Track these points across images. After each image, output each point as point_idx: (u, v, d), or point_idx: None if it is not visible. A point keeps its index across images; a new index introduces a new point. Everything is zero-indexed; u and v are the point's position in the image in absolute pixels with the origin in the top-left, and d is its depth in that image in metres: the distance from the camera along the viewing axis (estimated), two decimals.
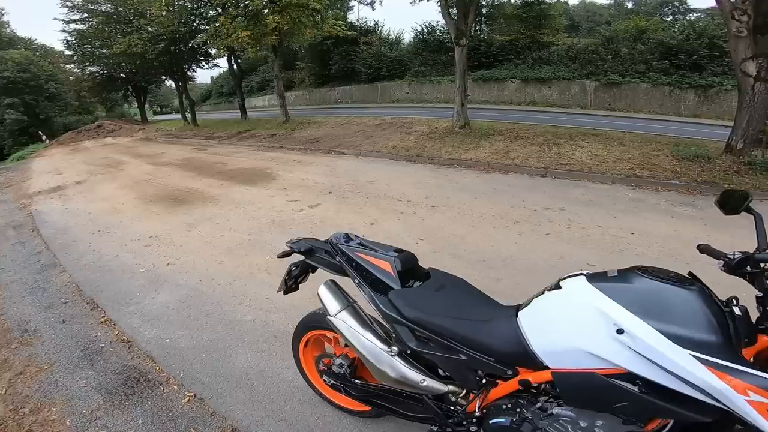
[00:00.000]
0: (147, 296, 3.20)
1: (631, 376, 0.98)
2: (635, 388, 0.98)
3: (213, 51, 19.66)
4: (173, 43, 18.24)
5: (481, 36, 21.82)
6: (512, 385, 1.20)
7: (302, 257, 1.66)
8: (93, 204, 6.40)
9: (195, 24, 18.20)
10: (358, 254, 1.49)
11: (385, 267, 1.43)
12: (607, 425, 1.09)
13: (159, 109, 57.37)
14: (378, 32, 26.30)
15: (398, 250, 1.50)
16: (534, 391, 1.20)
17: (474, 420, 1.32)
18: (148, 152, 12.77)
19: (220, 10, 14.83)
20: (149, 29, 17.49)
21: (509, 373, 1.19)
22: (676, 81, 14.64)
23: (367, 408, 1.79)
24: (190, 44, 19.58)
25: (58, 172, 10.34)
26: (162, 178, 8.06)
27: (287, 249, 1.68)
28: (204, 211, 5.40)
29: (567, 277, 1.19)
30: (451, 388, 1.34)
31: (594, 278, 1.11)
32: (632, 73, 15.57)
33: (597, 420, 1.09)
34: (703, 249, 1.23)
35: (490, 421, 1.26)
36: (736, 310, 0.99)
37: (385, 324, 1.45)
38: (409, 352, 1.35)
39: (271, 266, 3.52)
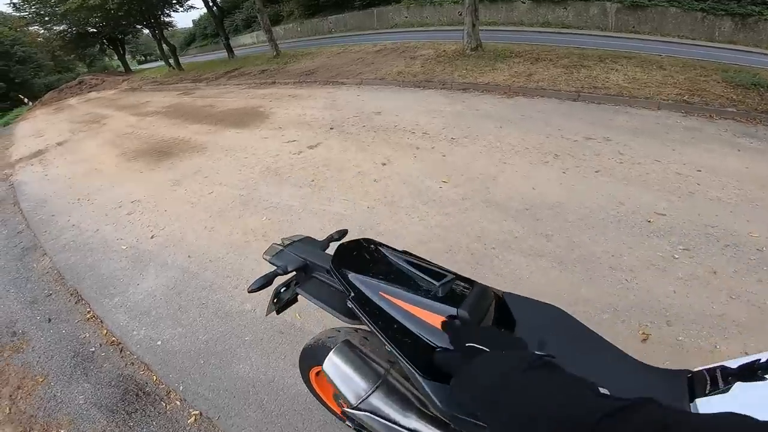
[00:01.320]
0: (131, 283, 2.71)
1: None
2: None
3: None
4: None
5: None
6: None
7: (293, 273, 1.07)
8: (73, 167, 5.72)
9: None
10: (389, 298, 0.84)
11: (436, 324, 0.79)
12: None
13: (143, 57, 54.63)
14: None
15: (462, 281, 0.85)
16: None
17: None
18: (133, 102, 11.70)
19: None
20: None
21: None
22: (710, 7, 13.35)
23: None
24: None
25: (39, 135, 9.42)
26: (146, 129, 7.24)
27: (267, 270, 1.04)
28: (191, 163, 4.73)
29: None
30: None
31: None
32: None
33: None
34: None
35: None
36: None
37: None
38: None
39: (268, 230, 2.97)
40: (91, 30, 24.22)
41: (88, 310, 2.54)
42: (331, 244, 1.17)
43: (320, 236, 1.25)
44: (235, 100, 8.53)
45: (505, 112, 5.13)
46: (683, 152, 3.57)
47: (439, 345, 0.78)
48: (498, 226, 2.63)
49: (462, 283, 0.85)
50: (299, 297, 1.13)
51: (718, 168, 3.27)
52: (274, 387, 1.79)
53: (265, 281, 0.99)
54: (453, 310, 0.78)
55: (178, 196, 3.87)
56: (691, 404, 0.66)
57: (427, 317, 0.80)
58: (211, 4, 17.42)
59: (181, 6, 21.14)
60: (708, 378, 0.69)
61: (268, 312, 1.10)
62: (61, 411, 1.86)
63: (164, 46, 19.99)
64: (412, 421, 0.84)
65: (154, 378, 1.95)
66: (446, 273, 0.87)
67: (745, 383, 0.63)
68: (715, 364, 0.71)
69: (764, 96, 5.13)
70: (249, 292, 0.99)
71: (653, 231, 2.52)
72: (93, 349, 2.22)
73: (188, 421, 1.68)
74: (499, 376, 0.63)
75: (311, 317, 2.08)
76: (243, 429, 1.62)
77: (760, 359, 0.65)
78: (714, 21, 13.40)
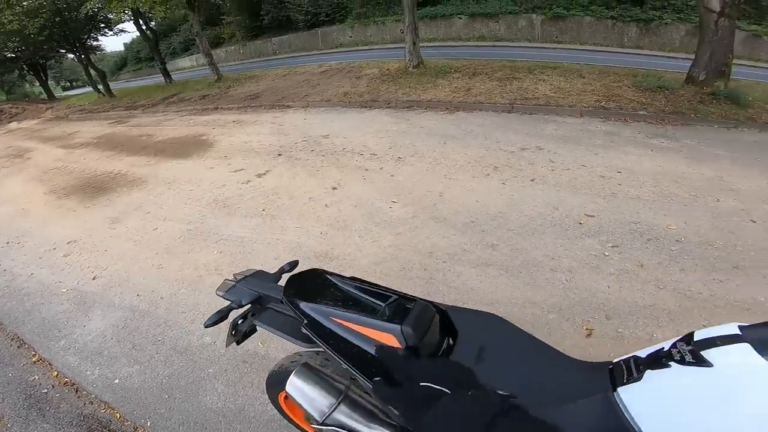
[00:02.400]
0: (77, 325, 2.53)
1: None
2: None
3: (112, 16, 16.65)
4: (57, 14, 15.12)
5: None
6: None
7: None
8: None
9: None
10: (339, 322, 0.92)
11: (388, 342, 0.87)
12: None
13: (68, 84, 50.73)
14: None
15: (405, 300, 0.93)
16: None
17: None
18: (59, 133, 10.76)
19: None
20: (24, 3, 14.24)
21: None
22: (618, 14, 14.86)
23: None
24: (82, 13, 16.54)
25: None
26: (76, 163, 6.70)
27: (221, 305, 1.07)
28: (130, 198, 4.46)
29: (714, 343, 0.70)
30: None
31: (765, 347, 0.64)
32: (576, 7, 15.52)
33: None
34: None
35: None
36: None
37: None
38: None
39: (220, 264, 2.88)
40: (9, 55, 22.36)
41: (33, 353, 2.37)
42: (283, 275, 1.20)
43: (275, 266, 1.30)
44: (176, 128, 8.17)
45: (448, 127, 5.38)
46: (605, 156, 3.96)
47: (394, 362, 0.85)
48: (447, 240, 2.75)
49: (406, 302, 0.93)
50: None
51: (635, 168, 3.66)
52: (245, 415, 1.77)
53: (220, 316, 1.03)
54: (398, 328, 0.85)
55: (119, 234, 3.64)
56: (614, 393, 0.75)
57: (376, 336, 0.87)
58: (144, 27, 16.69)
59: (110, 30, 19.91)
60: (624, 368, 0.79)
61: (228, 344, 1.13)
62: None
63: (92, 71, 18.80)
64: (375, 425, 0.89)
65: (118, 415, 1.89)
66: (391, 294, 0.95)
67: (653, 371, 0.74)
68: (629, 355, 0.82)
69: (669, 98, 5.82)
70: (205, 327, 1.02)
71: (585, 232, 2.76)
72: (46, 391, 2.10)
73: None
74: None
75: (274, 344, 2.08)
76: None
77: (663, 347, 0.77)
78: (623, 27, 14.87)
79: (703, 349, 0.69)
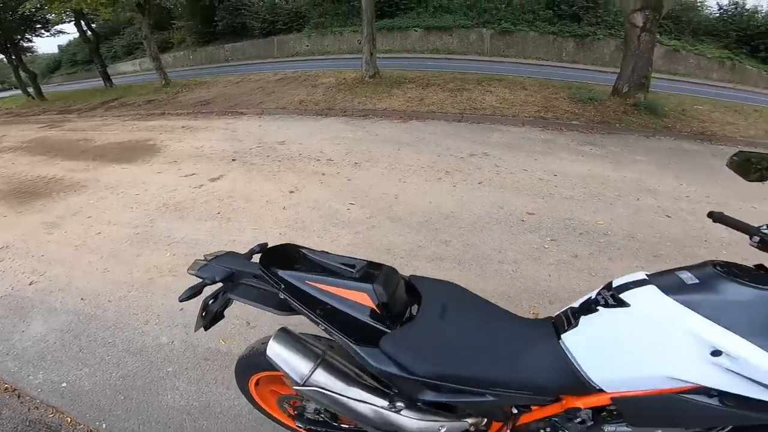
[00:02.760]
0: (14, 331, 2.35)
1: (709, 390, 0.78)
2: (716, 402, 0.78)
3: (51, 17, 15.44)
4: None
5: None
6: (552, 410, 0.93)
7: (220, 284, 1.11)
8: None
9: None
10: (315, 285, 0.98)
11: (361, 300, 0.95)
12: None
13: None
14: None
15: (372, 266, 1.02)
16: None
17: None
18: None
19: None
20: None
21: (548, 399, 0.92)
22: (558, 30, 15.99)
23: None
24: (18, 12, 15.19)
25: None
26: (3, 167, 6.09)
27: (195, 278, 1.08)
28: (68, 203, 4.16)
29: (628, 287, 0.88)
30: (471, 421, 1.01)
31: (669, 288, 0.83)
32: (522, 22, 16.53)
33: (656, 430, 0.90)
34: (720, 218, 1.01)
35: None
36: None
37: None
38: (420, 404, 0.97)
39: (174, 265, 2.79)
40: None
41: None
42: (253, 256, 1.23)
43: None
44: (117, 133, 7.70)
45: (402, 135, 5.60)
46: (543, 161, 4.34)
47: (361, 317, 0.94)
48: (403, 238, 2.89)
49: (374, 268, 1.02)
50: (225, 313, 1.18)
51: (569, 172, 4.05)
52: (211, 411, 1.75)
53: (194, 291, 1.04)
54: (369, 287, 0.94)
55: (58, 239, 3.40)
56: (559, 341, 0.91)
57: (350, 295, 0.96)
58: (85, 29, 15.59)
59: (47, 31, 18.40)
60: (564, 319, 0.95)
61: (197, 327, 1.12)
62: None
63: (22, 73, 17.27)
64: (353, 392, 0.96)
65: (69, 419, 1.80)
66: (360, 261, 1.03)
67: (585, 316, 0.90)
68: (566, 308, 0.99)
69: (598, 109, 6.47)
70: (180, 301, 1.02)
71: (527, 228, 3.03)
72: None
73: None
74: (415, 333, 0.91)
75: (236, 341, 2.08)
76: None
77: (591, 296, 0.94)
78: (562, 43, 16.05)
79: (621, 293, 0.87)
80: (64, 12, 11.95)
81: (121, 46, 28.52)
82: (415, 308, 1.01)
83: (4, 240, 3.50)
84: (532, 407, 0.96)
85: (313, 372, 0.97)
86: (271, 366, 1.21)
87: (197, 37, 23.88)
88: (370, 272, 0.99)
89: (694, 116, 6.65)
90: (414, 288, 1.05)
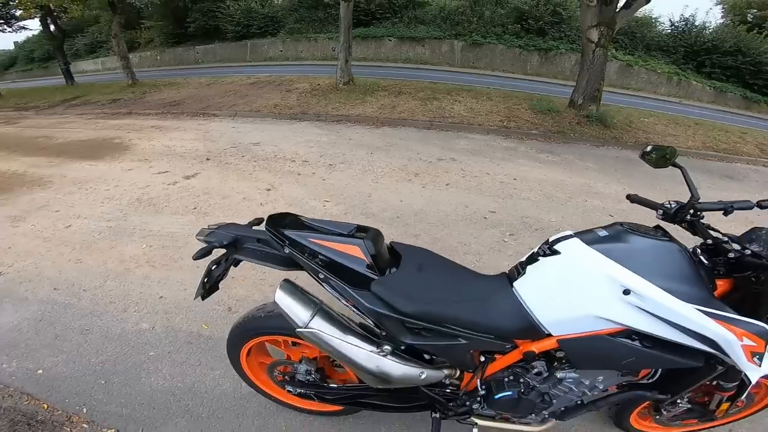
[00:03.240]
0: None
1: (631, 333, 1.01)
2: (638, 344, 1.01)
3: (18, 13, 14.68)
4: None
5: None
6: (513, 357, 1.15)
7: (224, 251, 1.25)
8: None
9: None
10: (316, 242, 1.15)
11: (354, 253, 1.13)
12: (607, 378, 1.15)
13: None
14: None
15: (361, 228, 1.21)
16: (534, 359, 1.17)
17: (477, 398, 1.25)
18: None
19: None
20: None
21: (507, 347, 1.14)
22: (524, 44, 16.70)
23: (341, 407, 1.56)
24: None
25: None
26: None
27: (203, 244, 1.22)
28: (32, 198, 4.06)
29: (559, 240, 1.13)
30: (446, 371, 1.21)
31: (588, 240, 1.08)
32: (491, 35, 17.15)
33: (598, 376, 1.14)
34: (634, 199, 1.30)
35: (496, 397, 1.21)
36: (703, 260, 1.07)
37: (365, 319, 1.20)
38: (403, 347, 1.17)
39: (151, 257, 2.84)
40: None
41: None
42: (253, 227, 1.36)
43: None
44: (81, 131, 7.45)
45: (374, 140, 5.83)
46: (504, 167, 4.70)
47: (354, 266, 1.12)
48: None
49: (363, 230, 1.21)
50: (218, 289, 1.31)
51: (527, 176, 4.41)
52: (197, 391, 1.81)
53: (204, 252, 1.19)
54: (361, 242, 1.14)
55: (24, 232, 3.34)
56: (512, 288, 1.13)
57: (345, 249, 1.14)
58: (51, 26, 14.89)
59: (9, 26, 17.38)
60: (515, 270, 1.20)
61: (197, 295, 1.26)
62: None
63: None
64: (347, 337, 1.13)
65: (45, 406, 1.79)
66: (351, 224, 1.22)
67: (530, 265, 1.15)
68: (517, 263, 1.23)
69: (556, 119, 6.97)
70: (194, 259, 1.18)
71: (489, 224, 3.32)
72: None
73: None
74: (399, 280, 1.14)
75: (217, 325, 2.18)
76: None
77: (534, 250, 1.19)
78: (527, 56, 16.71)
79: (554, 245, 1.12)
80: (34, 8, 11.35)
81: (83, 44, 27.48)
82: (396, 265, 1.21)
83: None
84: (496, 356, 1.18)
85: (312, 318, 1.13)
86: (264, 330, 1.37)
87: (167, 38, 23.28)
88: (360, 232, 1.19)
89: (640, 128, 7.32)
90: (395, 250, 1.26)
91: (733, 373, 1.14)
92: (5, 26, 17.40)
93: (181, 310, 2.31)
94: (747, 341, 0.96)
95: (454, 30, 17.62)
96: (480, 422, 1.32)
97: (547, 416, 1.28)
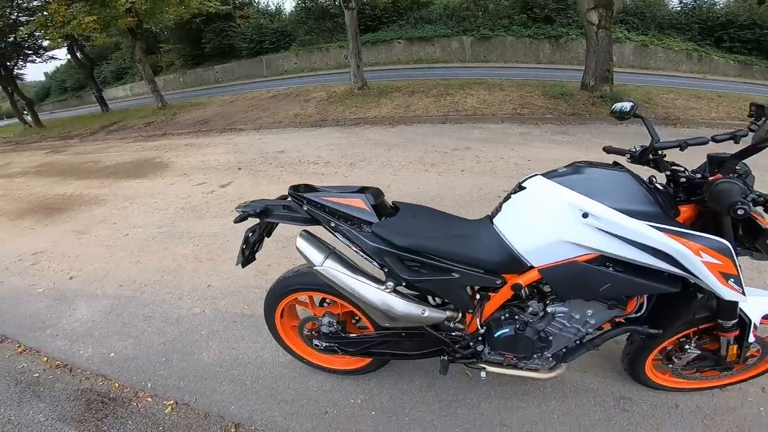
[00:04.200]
0: (62, 315, 2.70)
1: (603, 259, 1.16)
2: (610, 269, 1.16)
3: (46, 43, 15.91)
4: None
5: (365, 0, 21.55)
6: (505, 293, 1.31)
7: (257, 220, 1.53)
8: None
9: (13, 17, 14.40)
10: (327, 198, 1.40)
11: (358, 204, 1.38)
12: (596, 313, 1.28)
13: None
14: (255, 4, 24.14)
15: (364, 188, 1.46)
16: (524, 297, 1.35)
17: (479, 338, 1.42)
18: None
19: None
20: None
21: (498, 282, 1.29)
22: (533, 33, 16.53)
23: (366, 362, 1.79)
24: (10, 39, 15.66)
25: None
26: (19, 190, 6.49)
27: (239, 214, 1.50)
28: (91, 214, 4.58)
29: (527, 179, 1.32)
30: (448, 313, 1.41)
31: (551, 176, 1.26)
32: (499, 28, 17.08)
33: (587, 309, 1.28)
34: (609, 150, 1.49)
35: (495, 335, 1.37)
36: (660, 187, 1.22)
37: (371, 261, 1.40)
38: (404, 284, 1.37)
39: (199, 254, 3.22)
40: None
41: (18, 345, 2.48)
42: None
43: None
44: (123, 154, 8.13)
45: (391, 138, 6.11)
46: (519, 150, 4.84)
47: (358, 214, 1.37)
48: None
49: (365, 188, 1.46)
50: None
51: (542, 157, 4.55)
52: (241, 361, 2.08)
53: (245, 216, 1.48)
54: (362, 195, 1.39)
55: (88, 242, 3.80)
56: (492, 223, 1.32)
57: (350, 201, 1.39)
58: (78, 54, 16.09)
59: (39, 57, 18.51)
60: (495, 211, 1.38)
61: (238, 261, 1.56)
62: (22, 431, 1.87)
63: (18, 99, 17.44)
64: (356, 274, 1.37)
65: (116, 385, 2.06)
66: (356, 186, 1.48)
67: (504, 203, 1.35)
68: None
69: (570, 102, 7.02)
70: (235, 222, 1.48)
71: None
72: (37, 375, 2.22)
73: (165, 411, 1.86)
74: (395, 222, 1.37)
75: (257, 306, 2.46)
76: (222, 403, 1.85)
77: (508, 192, 1.37)
78: (538, 45, 16.57)
79: (522, 183, 1.32)
80: (60, 37, 12.25)
81: (109, 71, 29.01)
82: (396, 215, 1.44)
83: (37, 247, 3.87)
84: (490, 294, 1.36)
85: (326, 259, 1.40)
86: (293, 287, 1.64)
87: (186, 60, 24.42)
88: (365, 189, 1.45)
89: (659, 104, 7.23)
90: (396, 206, 1.49)
91: (725, 308, 1.24)
92: (35, 56, 18.47)
93: (226, 296, 2.64)
94: (707, 257, 1.05)
95: (461, 26, 17.65)
96: (489, 368, 1.49)
97: (550, 358, 1.41)
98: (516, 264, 1.24)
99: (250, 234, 1.55)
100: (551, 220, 1.18)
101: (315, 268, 1.39)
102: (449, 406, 1.72)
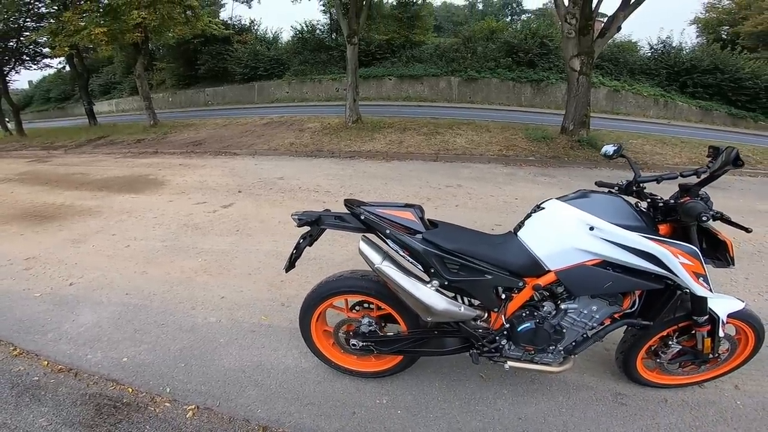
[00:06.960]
0: (64, 320, 2.67)
1: (605, 263, 1.50)
2: (611, 271, 1.50)
3: (48, 50, 15.78)
4: None
5: (361, 35, 22.55)
6: (526, 293, 1.61)
7: (309, 228, 1.74)
8: None
9: (20, 22, 14.42)
10: (381, 211, 1.65)
11: (408, 216, 1.65)
12: (600, 309, 1.60)
13: None
14: (254, 31, 24.87)
15: (410, 205, 1.73)
16: (542, 297, 1.64)
17: (504, 333, 1.67)
18: None
19: (58, 7, 12.17)
20: None
21: (520, 284, 1.59)
22: (517, 76, 17.60)
23: (394, 363, 1.97)
24: (10, 43, 15.49)
25: None
26: (2, 196, 6.34)
27: (297, 220, 1.71)
28: (87, 224, 4.57)
29: (544, 202, 1.68)
30: (477, 312, 1.68)
31: (563, 199, 1.63)
32: (485, 70, 18.10)
33: (592, 305, 1.60)
34: (600, 184, 1.85)
35: (519, 329, 1.63)
36: (643, 209, 1.60)
37: (416, 265, 1.64)
38: (446, 283, 1.61)
39: (208, 267, 3.31)
40: None
41: (12, 348, 2.40)
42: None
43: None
44: (113, 168, 8.06)
45: (387, 172, 6.46)
46: (506, 189, 5.26)
47: (410, 225, 1.63)
48: None
49: (411, 204, 1.73)
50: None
51: (527, 196, 4.95)
52: (263, 367, 2.14)
53: (303, 222, 1.70)
54: (412, 209, 1.67)
55: (87, 252, 3.77)
56: (517, 236, 1.65)
57: (402, 214, 1.66)
58: (75, 63, 15.94)
59: (35, 63, 18.21)
60: (518, 226, 1.71)
61: (285, 267, 1.80)
62: None
63: (3, 105, 16.97)
64: (407, 275, 1.61)
65: (130, 390, 2.03)
66: (402, 202, 1.75)
67: (527, 220, 1.69)
68: (518, 223, 1.74)
69: (550, 146, 7.59)
70: (298, 227, 1.71)
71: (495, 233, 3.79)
72: (36, 378, 2.14)
73: (186, 416, 1.86)
74: (442, 232, 1.65)
75: (274, 317, 2.59)
76: (248, 406, 1.90)
77: (529, 212, 1.72)
78: (520, 88, 17.61)
79: (541, 204, 1.67)
80: (68, 46, 12.11)
81: (98, 84, 28.56)
82: (436, 227, 1.70)
83: (29, 252, 3.78)
84: (513, 295, 1.63)
85: (383, 260, 1.64)
86: (335, 290, 1.84)
87: (178, 80, 24.49)
88: (411, 205, 1.71)
89: (629, 149, 7.91)
90: (433, 222, 1.75)
91: (696, 302, 1.57)
92: (31, 63, 18.10)
93: (240, 307, 2.73)
94: (683, 260, 1.40)
95: (450, 66, 18.61)
96: (510, 363, 1.74)
97: (562, 351, 1.68)
98: (537, 267, 1.56)
99: (302, 240, 1.76)
100: (564, 232, 1.53)
101: (375, 266, 1.63)
102: (469, 404, 1.91)
